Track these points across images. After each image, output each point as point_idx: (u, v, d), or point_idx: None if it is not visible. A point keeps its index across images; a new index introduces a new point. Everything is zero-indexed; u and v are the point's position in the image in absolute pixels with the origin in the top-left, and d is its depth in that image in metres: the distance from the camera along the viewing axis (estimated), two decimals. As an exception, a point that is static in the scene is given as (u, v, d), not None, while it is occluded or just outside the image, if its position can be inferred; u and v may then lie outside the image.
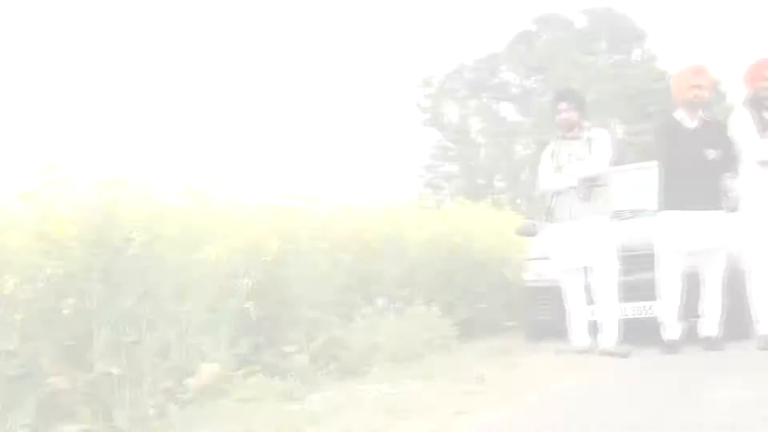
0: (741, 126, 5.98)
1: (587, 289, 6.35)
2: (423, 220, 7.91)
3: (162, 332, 4.29)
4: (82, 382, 3.93)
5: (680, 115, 6.27)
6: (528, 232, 8.10)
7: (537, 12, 42.45)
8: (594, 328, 6.36)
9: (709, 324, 6.18)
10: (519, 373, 5.25)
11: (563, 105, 6.40)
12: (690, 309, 6.26)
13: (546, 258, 6.82)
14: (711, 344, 6.09)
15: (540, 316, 7.10)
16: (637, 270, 6.58)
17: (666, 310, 6.18)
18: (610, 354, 6.05)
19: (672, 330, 6.17)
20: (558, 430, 3.50)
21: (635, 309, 6.52)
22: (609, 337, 6.20)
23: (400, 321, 6.17)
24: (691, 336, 6.27)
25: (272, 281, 5.81)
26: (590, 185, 6.23)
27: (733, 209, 6.38)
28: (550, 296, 6.81)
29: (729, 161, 6.13)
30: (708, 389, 4.33)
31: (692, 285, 6.20)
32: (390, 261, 7.10)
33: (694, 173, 6.06)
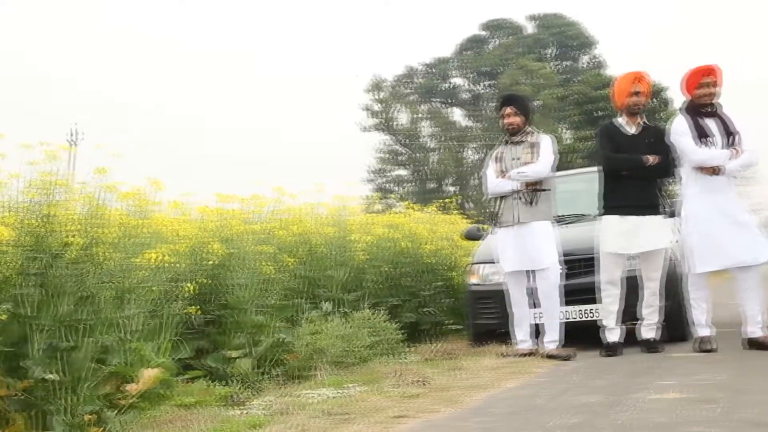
0: (679, 132, 6.10)
1: (531, 292, 6.42)
2: (370, 225, 7.93)
3: (101, 337, 4.24)
4: (17, 388, 3.86)
5: (621, 121, 6.39)
6: (473, 236, 8.18)
7: (487, 17, 42.83)
8: (537, 331, 6.43)
9: (649, 327, 6.29)
10: (462, 377, 5.29)
11: (508, 110, 6.46)
12: (630, 312, 6.38)
13: (491, 262, 6.88)
14: (650, 346, 6.20)
15: (484, 319, 7.16)
16: (580, 274, 6.69)
17: (606, 313, 6.27)
18: (553, 357, 6.13)
19: (612, 333, 6.27)
20: (497, 433, 3.53)
21: (578, 312, 6.61)
22: (552, 340, 6.28)
23: (346, 325, 6.17)
24: (631, 338, 6.38)
25: (217, 285, 5.79)
26: (534, 190, 6.31)
27: (672, 214, 6.51)
28: (495, 300, 6.88)
29: (668, 166, 6.26)
30: (644, 391, 4.40)
31: (632, 288, 6.31)
32: (336, 265, 7.10)
33: (634, 178, 6.17)
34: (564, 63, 41.42)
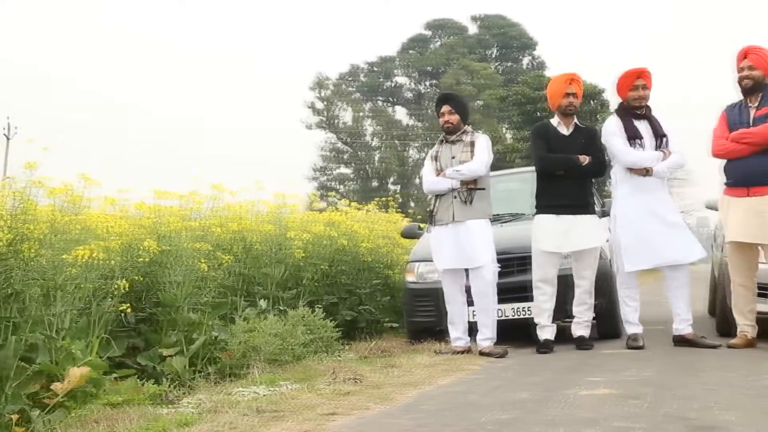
0: (611, 133, 6.22)
1: (467, 290, 6.48)
2: (308, 223, 7.92)
3: (28, 335, 4.16)
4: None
5: (555, 121, 6.48)
6: (411, 235, 8.23)
7: (430, 17, 43.08)
8: (473, 329, 6.49)
9: (581, 324, 6.40)
10: (397, 374, 5.30)
11: (445, 108, 6.51)
12: (563, 310, 6.49)
13: (428, 260, 6.92)
14: (582, 344, 6.31)
15: (421, 317, 7.21)
16: (515, 272, 6.78)
17: (540, 311, 6.36)
18: (488, 354, 6.19)
19: (546, 330, 6.36)
20: (427, 431, 3.55)
21: (512, 310, 6.70)
22: (486, 338, 6.34)
23: (282, 323, 6.15)
24: (564, 336, 6.49)
25: (150, 283, 5.73)
26: (470, 188, 6.36)
27: (605, 213, 6.63)
28: (431, 298, 6.93)
29: (600, 167, 6.38)
30: (574, 387, 4.48)
31: (565, 287, 6.42)
32: (273, 263, 7.07)
33: (567, 178, 6.27)
34: (506, 64, 41.92)
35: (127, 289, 5.06)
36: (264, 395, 4.52)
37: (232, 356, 5.75)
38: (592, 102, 27.03)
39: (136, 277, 5.46)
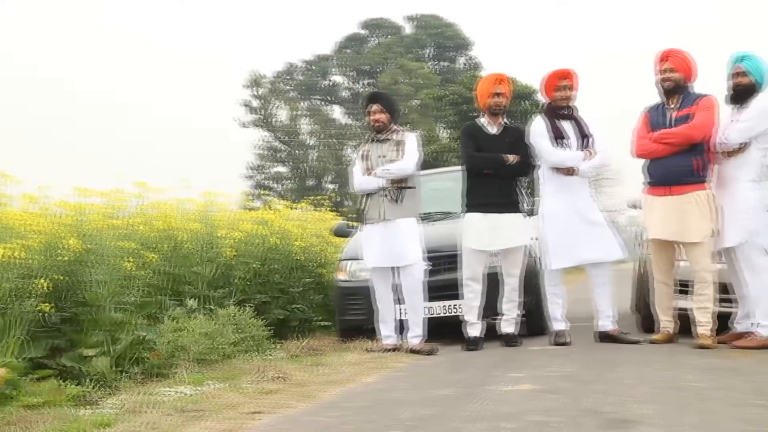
0: (537, 133, 6.32)
1: (396, 288, 6.51)
2: (238, 221, 7.86)
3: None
4: None
5: (483, 121, 6.55)
6: (343, 233, 8.23)
7: (366, 16, 43.15)
8: (402, 327, 6.52)
9: (508, 321, 6.48)
10: (324, 373, 5.31)
11: (374, 107, 6.53)
12: (491, 307, 6.56)
13: (358, 258, 6.93)
14: (509, 340, 6.39)
15: (352, 315, 7.22)
16: (445, 270, 6.83)
17: (468, 308, 6.42)
18: (417, 352, 6.23)
19: (474, 327, 6.42)
20: (348, 428, 3.57)
21: (441, 308, 6.75)
22: (416, 336, 6.38)
23: (211, 322, 6.09)
24: (492, 333, 6.56)
25: (73, 282, 5.61)
26: (400, 187, 6.39)
27: (532, 212, 6.74)
28: (362, 296, 6.94)
29: (527, 166, 6.46)
30: (498, 383, 4.55)
31: (493, 284, 6.49)
32: (203, 262, 7.00)
33: (495, 177, 6.35)
34: (442, 63, 42.18)
35: (49, 288, 4.96)
36: (189, 395, 4.49)
37: (159, 356, 5.67)
38: (525, 102, 27.32)
39: (58, 276, 5.35)
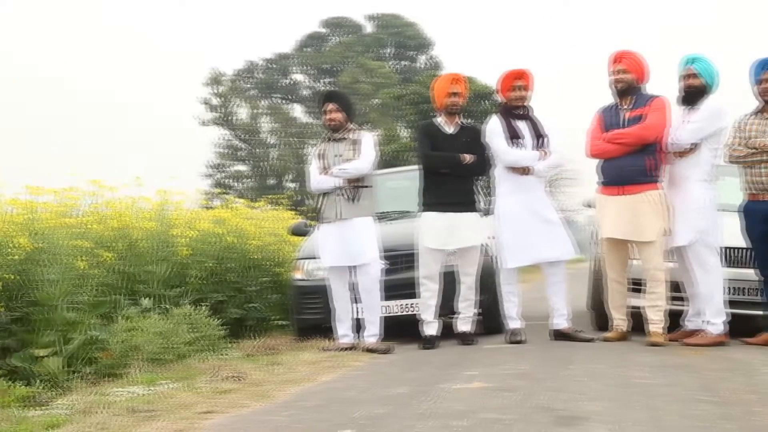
0: (492, 133, 6.36)
1: (353, 287, 6.51)
2: (195, 220, 7.80)
3: None
4: None
5: (440, 120, 6.58)
6: (300, 232, 8.20)
7: (326, 14, 43.07)
8: (359, 326, 6.53)
9: (464, 320, 6.52)
10: (279, 372, 5.30)
11: (329, 106, 6.52)
12: (448, 306, 6.59)
13: (315, 257, 6.92)
14: (465, 339, 6.43)
15: (309, 314, 7.19)
16: (402, 269, 6.84)
17: (425, 307, 6.44)
18: (373, 350, 6.24)
19: (430, 326, 6.45)
20: (300, 427, 3.56)
21: (398, 307, 6.77)
22: (372, 334, 6.39)
23: (165, 321, 6.05)
24: (449, 331, 6.59)
25: (24, 281, 5.54)
26: (356, 186, 6.39)
27: (488, 211, 6.78)
28: (319, 295, 6.91)
29: (483, 165, 6.50)
30: (452, 381, 4.57)
31: (450, 283, 6.52)
32: (157, 261, 6.94)
33: (452, 176, 6.38)
34: (402, 63, 42.19)
35: (-2, 287, 4.89)
36: (141, 395, 4.45)
37: (112, 356, 5.62)
38: (485, 102, 27.45)
39: (8, 276, 5.27)
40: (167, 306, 6.70)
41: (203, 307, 6.60)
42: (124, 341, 5.65)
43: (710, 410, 3.59)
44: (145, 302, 6.61)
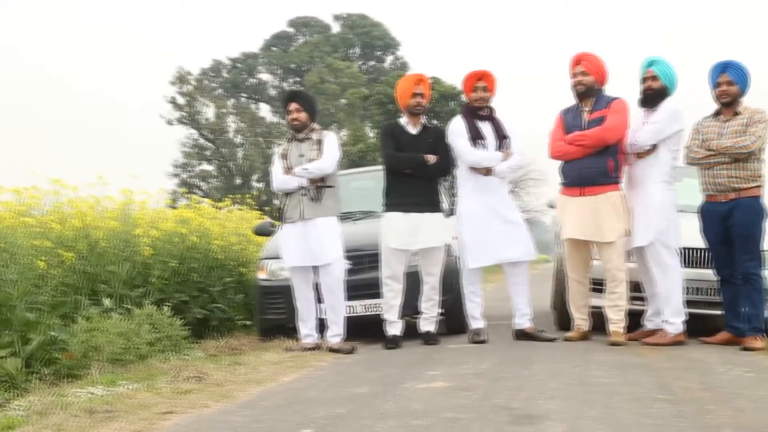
0: (455, 133, 6.40)
1: (316, 287, 6.51)
2: (158, 220, 7.75)
3: None
4: None
5: (403, 120, 6.60)
6: (264, 232, 8.18)
7: (294, 14, 43.02)
8: (323, 326, 6.53)
9: (428, 320, 6.55)
10: (241, 372, 5.28)
11: (292, 106, 6.51)
12: (411, 306, 6.61)
13: (279, 257, 6.91)
14: (428, 339, 6.46)
15: (272, 314, 7.19)
16: (366, 269, 6.86)
17: (388, 307, 6.46)
18: (336, 350, 6.24)
19: (394, 326, 6.47)
20: (260, 426, 3.56)
21: (362, 306, 6.79)
22: (335, 334, 6.39)
23: (127, 322, 6.00)
24: (412, 331, 6.62)
25: (-18, 282, 5.47)
26: (319, 186, 6.39)
27: (451, 211, 6.81)
28: (283, 295, 6.92)
29: (447, 166, 6.54)
30: (413, 381, 4.59)
31: (413, 283, 6.54)
32: (119, 260, 6.89)
33: (415, 176, 6.40)
34: (369, 63, 42.30)
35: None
36: (100, 396, 4.42)
37: (72, 357, 5.57)
38: (452, 103, 27.58)
39: (-34, 276, 5.20)
40: (129, 306, 6.65)
41: (166, 308, 6.56)
42: (85, 342, 5.60)
43: (665, 408, 3.65)
44: (107, 302, 6.56)
